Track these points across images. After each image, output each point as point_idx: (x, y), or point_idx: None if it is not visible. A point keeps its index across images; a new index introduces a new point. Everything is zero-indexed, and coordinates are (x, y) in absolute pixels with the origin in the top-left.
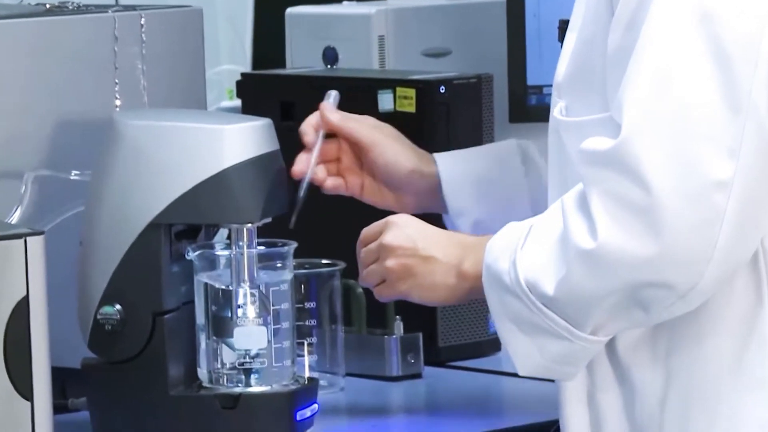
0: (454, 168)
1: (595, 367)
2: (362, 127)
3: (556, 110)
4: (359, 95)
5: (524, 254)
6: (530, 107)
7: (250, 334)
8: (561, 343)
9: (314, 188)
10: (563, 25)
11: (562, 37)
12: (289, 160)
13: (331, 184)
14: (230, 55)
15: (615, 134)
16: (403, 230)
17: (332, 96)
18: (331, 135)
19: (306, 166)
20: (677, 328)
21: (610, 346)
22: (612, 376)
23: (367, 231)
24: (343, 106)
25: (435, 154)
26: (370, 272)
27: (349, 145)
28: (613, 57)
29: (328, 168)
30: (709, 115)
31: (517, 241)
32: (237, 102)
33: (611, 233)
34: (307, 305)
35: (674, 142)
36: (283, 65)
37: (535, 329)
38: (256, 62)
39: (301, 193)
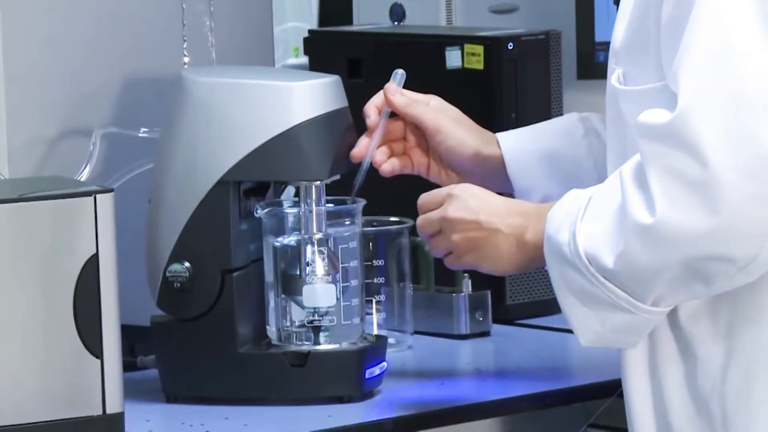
0: (517, 147)
1: (657, 340)
2: (426, 111)
3: (614, 78)
4: (427, 52)
5: (584, 226)
6: (598, 64)
7: (319, 291)
8: (622, 314)
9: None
10: None
11: (617, 1)
12: (357, 118)
13: (389, 167)
14: (296, 12)
15: (672, 104)
16: (465, 202)
17: (398, 76)
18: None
19: (365, 149)
20: (738, 301)
21: (672, 319)
22: (674, 349)
23: (425, 198)
24: (410, 63)
25: (498, 134)
26: (436, 243)
27: (414, 127)
28: (667, 27)
29: (394, 147)
30: (766, 87)
31: (577, 212)
32: (303, 59)
33: (669, 208)
34: (375, 263)
35: (731, 114)
36: (349, 22)
37: (595, 301)
38: (323, 19)
39: (360, 176)
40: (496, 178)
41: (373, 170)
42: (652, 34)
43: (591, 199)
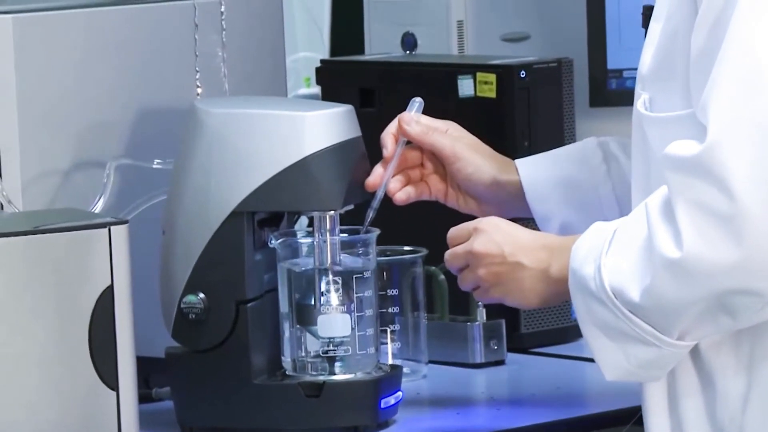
0: (536, 173)
1: (678, 373)
2: (443, 139)
3: (640, 103)
4: (439, 81)
5: (609, 260)
6: (610, 91)
7: (334, 321)
8: (648, 348)
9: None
10: (647, 12)
11: (646, 24)
12: (370, 147)
13: (404, 196)
14: (307, 42)
15: (699, 133)
16: (490, 236)
17: (416, 105)
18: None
19: (380, 179)
20: (761, 332)
21: (693, 350)
22: (694, 380)
23: (453, 233)
24: (423, 92)
25: (516, 161)
26: (463, 278)
27: (431, 154)
28: (697, 56)
29: (411, 174)
30: None
31: (602, 246)
32: (314, 89)
33: (697, 243)
34: (390, 292)
35: (760, 148)
36: (360, 52)
37: (621, 335)
38: (334, 49)
39: (374, 205)
40: (515, 204)
41: (387, 199)
42: (680, 60)
43: (616, 233)
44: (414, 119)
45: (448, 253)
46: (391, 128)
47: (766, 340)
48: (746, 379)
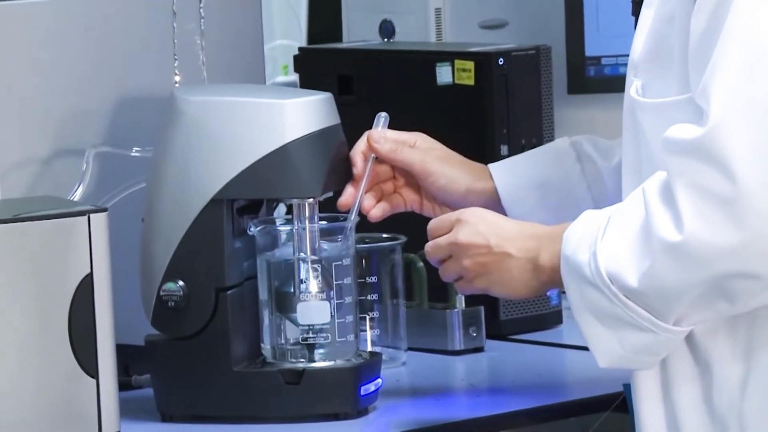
0: (511, 178)
1: (672, 360)
2: (412, 155)
3: (632, 89)
4: (417, 69)
5: (604, 246)
6: (588, 78)
7: (313, 309)
8: (643, 334)
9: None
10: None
11: (636, 12)
12: (348, 135)
13: (379, 212)
14: (284, 30)
15: (696, 118)
16: (475, 227)
17: (381, 121)
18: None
19: (353, 198)
20: (758, 316)
21: (688, 338)
22: (691, 367)
23: (435, 224)
24: (401, 79)
25: (490, 166)
26: (446, 269)
27: (402, 168)
28: (697, 40)
29: (383, 188)
30: None
31: (596, 232)
32: (292, 77)
33: (698, 226)
34: (369, 280)
35: (762, 131)
36: (338, 40)
37: (616, 321)
38: (312, 37)
39: (349, 224)
40: (491, 209)
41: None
42: (677, 45)
43: (611, 218)
44: (382, 136)
45: (429, 245)
46: (360, 146)
47: (764, 325)
48: (744, 365)
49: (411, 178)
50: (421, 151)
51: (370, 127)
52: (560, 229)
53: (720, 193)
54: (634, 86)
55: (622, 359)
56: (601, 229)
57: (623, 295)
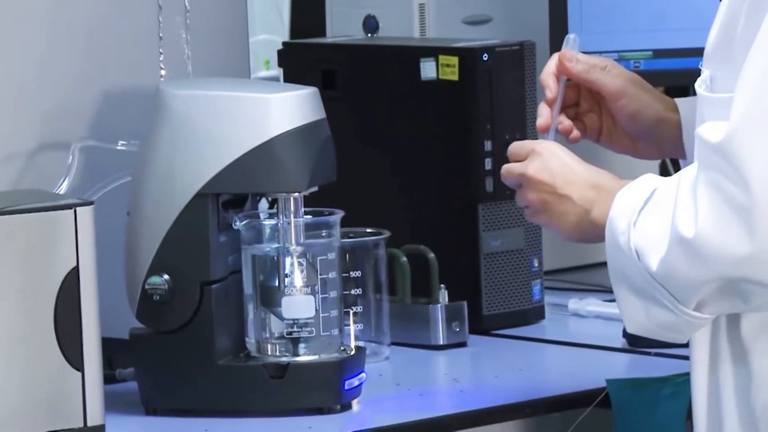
0: (694, 116)
1: (719, 345)
2: (606, 77)
3: (699, 80)
4: (401, 64)
5: (641, 221)
6: None
7: (298, 303)
8: (668, 313)
9: (353, 159)
10: None
11: None
12: (333, 130)
13: (577, 135)
14: (266, 24)
15: None
16: (546, 162)
17: (571, 40)
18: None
19: (549, 119)
20: None
21: (732, 325)
22: (733, 360)
23: (514, 148)
24: (385, 75)
25: (677, 100)
26: (517, 196)
27: (591, 92)
28: (739, 42)
29: (566, 113)
30: None
31: (640, 203)
32: (274, 72)
33: (711, 225)
34: (353, 274)
35: None
36: (321, 34)
37: (643, 294)
38: (295, 32)
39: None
40: (672, 144)
41: (353, 182)
42: (737, 42)
43: (654, 193)
44: (575, 56)
45: (504, 168)
46: (551, 67)
47: None
48: None
49: (594, 105)
50: (613, 74)
51: (355, 122)
52: (620, 186)
53: (735, 200)
54: (702, 77)
55: (648, 331)
56: (643, 201)
57: (647, 273)
